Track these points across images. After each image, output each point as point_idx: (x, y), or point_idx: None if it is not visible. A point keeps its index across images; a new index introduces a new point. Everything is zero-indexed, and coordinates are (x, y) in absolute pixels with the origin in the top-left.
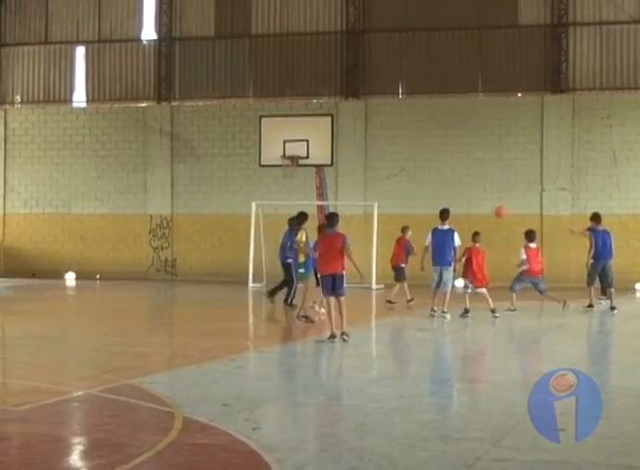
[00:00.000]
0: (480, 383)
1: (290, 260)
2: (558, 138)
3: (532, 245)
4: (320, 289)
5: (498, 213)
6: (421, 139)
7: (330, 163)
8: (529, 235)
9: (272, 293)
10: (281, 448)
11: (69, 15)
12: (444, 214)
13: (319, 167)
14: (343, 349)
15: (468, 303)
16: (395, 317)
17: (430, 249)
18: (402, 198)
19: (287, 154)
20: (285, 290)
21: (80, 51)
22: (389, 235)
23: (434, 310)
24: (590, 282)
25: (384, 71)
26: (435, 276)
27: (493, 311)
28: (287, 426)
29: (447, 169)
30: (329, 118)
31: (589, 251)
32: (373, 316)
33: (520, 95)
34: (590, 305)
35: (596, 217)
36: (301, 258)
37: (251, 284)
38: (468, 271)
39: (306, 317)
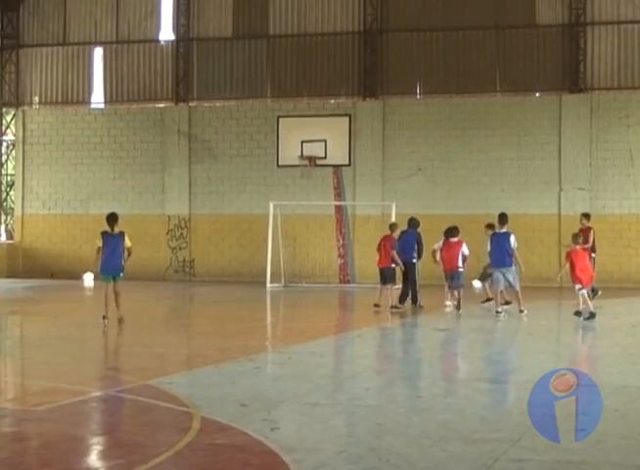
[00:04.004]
0: (499, 383)
1: (414, 260)
2: (576, 138)
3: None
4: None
5: None
6: (438, 139)
7: (347, 163)
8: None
9: (401, 300)
10: (299, 449)
11: (87, 16)
12: (502, 219)
13: (337, 168)
14: (362, 349)
15: (590, 305)
16: (415, 317)
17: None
18: (420, 198)
19: (304, 154)
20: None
21: (98, 52)
22: None
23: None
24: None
25: (401, 72)
26: (497, 277)
27: (579, 313)
28: (305, 426)
29: (465, 169)
30: (346, 119)
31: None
32: (392, 316)
33: (537, 95)
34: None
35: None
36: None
37: (268, 284)
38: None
39: (119, 319)
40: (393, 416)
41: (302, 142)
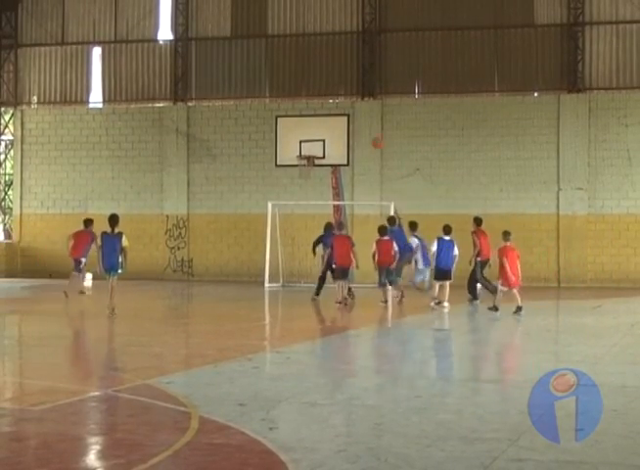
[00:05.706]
0: (497, 382)
1: None
2: (574, 137)
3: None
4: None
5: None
6: (437, 139)
7: (346, 162)
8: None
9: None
10: (297, 448)
11: (86, 15)
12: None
13: (335, 167)
14: (360, 349)
15: (499, 299)
16: (413, 316)
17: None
18: (418, 198)
19: (303, 154)
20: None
21: (97, 51)
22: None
23: None
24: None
25: (400, 71)
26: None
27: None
28: (303, 426)
29: (463, 169)
30: (345, 118)
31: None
32: (389, 316)
33: (536, 94)
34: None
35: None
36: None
37: (267, 284)
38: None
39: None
40: (392, 416)
41: (301, 142)
